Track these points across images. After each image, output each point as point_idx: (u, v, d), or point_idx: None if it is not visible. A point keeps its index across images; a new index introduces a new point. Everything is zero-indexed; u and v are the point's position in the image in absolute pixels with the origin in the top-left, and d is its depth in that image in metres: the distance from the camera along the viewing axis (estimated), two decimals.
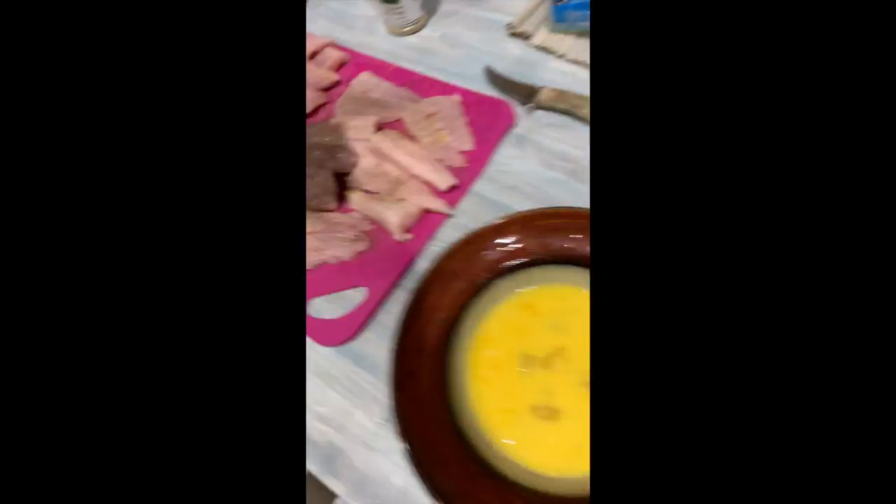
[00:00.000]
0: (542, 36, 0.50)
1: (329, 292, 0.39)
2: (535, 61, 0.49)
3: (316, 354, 0.37)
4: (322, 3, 0.62)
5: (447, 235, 0.40)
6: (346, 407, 0.34)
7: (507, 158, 0.43)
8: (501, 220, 0.33)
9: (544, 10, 0.51)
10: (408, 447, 0.27)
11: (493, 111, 0.46)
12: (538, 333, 0.31)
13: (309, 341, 0.37)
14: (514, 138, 0.44)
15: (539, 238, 0.33)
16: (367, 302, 0.38)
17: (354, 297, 0.39)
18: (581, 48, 0.48)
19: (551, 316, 0.31)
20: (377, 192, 0.43)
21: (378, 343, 0.36)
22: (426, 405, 0.28)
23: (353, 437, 0.33)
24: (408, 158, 0.43)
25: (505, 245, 0.33)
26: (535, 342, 0.31)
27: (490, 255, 0.33)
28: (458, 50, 0.53)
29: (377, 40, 0.56)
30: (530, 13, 0.51)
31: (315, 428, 0.34)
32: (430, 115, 0.46)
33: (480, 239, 0.33)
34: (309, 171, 0.45)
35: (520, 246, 0.33)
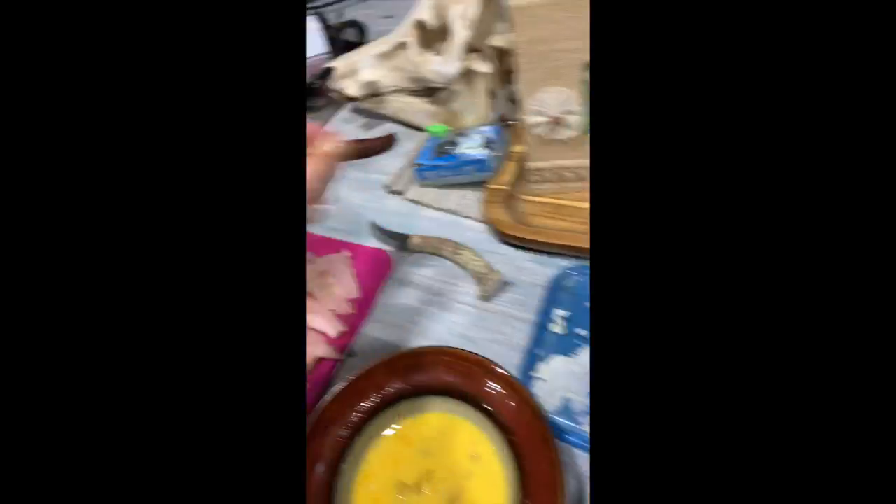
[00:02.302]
0: (413, 191, 0.60)
1: None
2: (410, 212, 0.59)
3: None
4: None
5: (342, 378, 0.45)
6: None
7: (390, 299, 0.50)
8: (371, 366, 0.39)
9: (412, 169, 0.62)
10: None
11: (374, 260, 0.54)
12: (410, 461, 0.35)
13: None
14: (395, 281, 0.52)
15: (405, 376, 0.38)
16: None
17: None
18: (443, 198, 0.58)
19: (420, 443, 0.36)
20: None
21: None
22: None
23: None
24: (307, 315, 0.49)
25: (377, 388, 0.38)
26: (407, 470, 0.35)
27: (364, 398, 0.38)
28: (348, 210, 0.62)
29: None
30: (402, 173, 0.62)
31: None
32: (322, 273, 0.53)
33: (354, 386, 0.38)
34: None
35: (389, 389, 0.38)
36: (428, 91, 0.64)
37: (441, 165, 0.56)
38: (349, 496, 0.34)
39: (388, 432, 0.37)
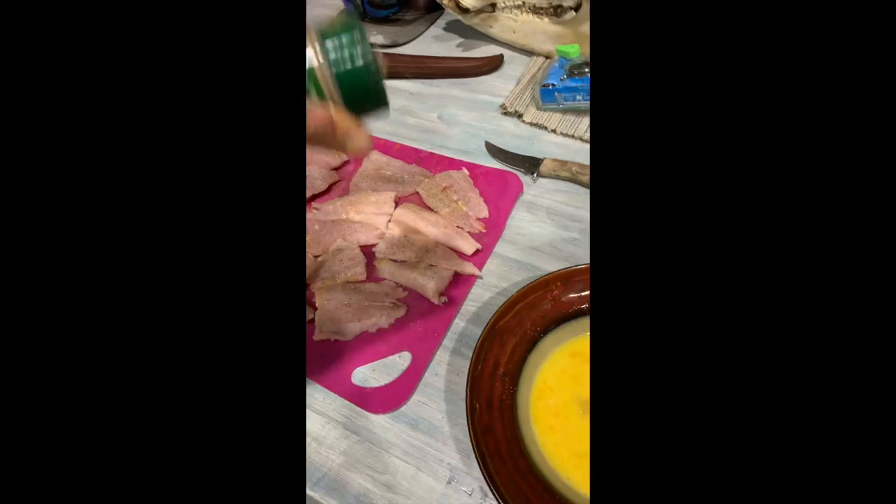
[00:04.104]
0: (532, 114, 0.56)
1: (372, 360, 0.40)
2: (531, 136, 0.55)
3: (369, 423, 0.37)
4: None
5: (479, 295, 0.43)
6: (411, 472, 0.35)
7: (522, 222, 0.48)
8: (544, 278, 0.37)
9: (531, 92, 0.58)
10: (499, 501, 0.28)
11: (500, 181, 0.51)
12: (587, 378, 0.34)
13: (361, 411, 0.38)
14: (524, 205, 0.49)
15: (579, 293, 0.36)
16: (414, 366, 0.39)
17: (397, 362, 0.40)
18: (568, 124, 0.54)
19: None
20: (405, 261, 0.45)
21: (431, 405, 0.38)
22: (506, 458, 0.30)
23: (422, 501, 0.34)
24: (431, 228, 0.46)
25: (551, 300, 0.36)
26: (586, 387, 0.33)
27: (537, 310, 0.36)
28: (457, 128, 0.58)
29: (378, 122, 0.61)
30: (519, 95, 0.58)
31: (382, 497, 0.34)
32: (444, 189, 0.50)
33: (526, 297, 0.36)
34: (335, 246, 0.47)
35: (563, 300, 0.36)
36: (554, 10, 0.59)
37: (576, 87, 0.52)
38: (529, 408, 0.33)
39: (561, 349, 0.35)
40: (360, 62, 0.26)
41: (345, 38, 0.26)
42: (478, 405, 0.32)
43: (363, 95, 0.27)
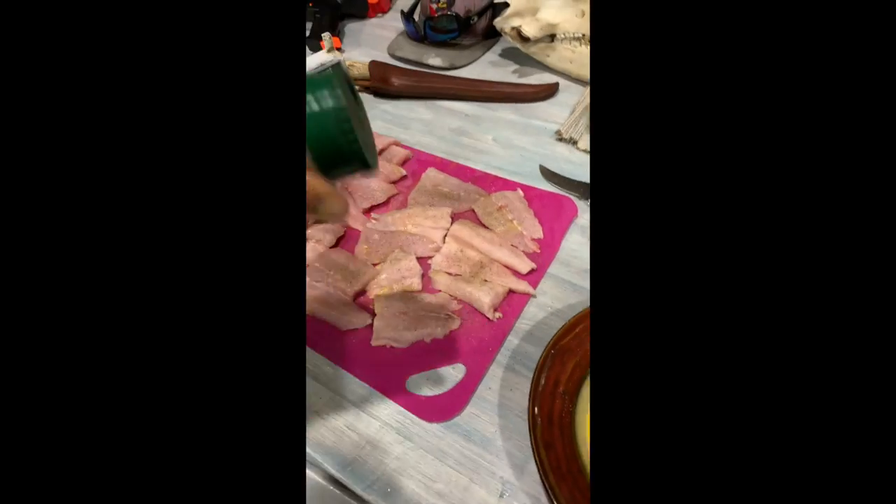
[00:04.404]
0: (586, 141, 0.58)
1: (426, 369, 0.41)
2: (585, 162, 0.57)
3: (423, 431, 0.38)
4: (377, 106, 0.70)
5: (532, 314, 0.44)
6: (463, 482, 0.35)
7: (576, 245, 0.49)
8: None
9: (586, 120, 0.59)
10: None
11: (555, 204, 0.52)
12: None
13: (415, 418, 0.39)
14: (578, 228, 0.50)
15: None
16: (468, 378, 0.40)
17: (451, 373, 0.41)
18: None
19: None
20: (459, 275, 0.47)
21: (484, 418, 0.38)
22: (566, 474, 0.30)
23: None
24: (486, 245, 0.48)
25: None
26: None
27: None
28: (511, 151, 0.60)
29: (434, 141, 0.63)
30: (575, 122, 0.60)
31: None
32: (500, 208, 0.51)
33: (586, 319, 0.37)
34: (393, 255, 0.49)
35: None
36: None
37: None
38: (584, 429, 0.33)
39: None
40: (327, 104, 0.23)
41: (317, 81, 0.23)
42: (539, 420, 0.32)
43: (332, 149, 0.24)
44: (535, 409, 0.33)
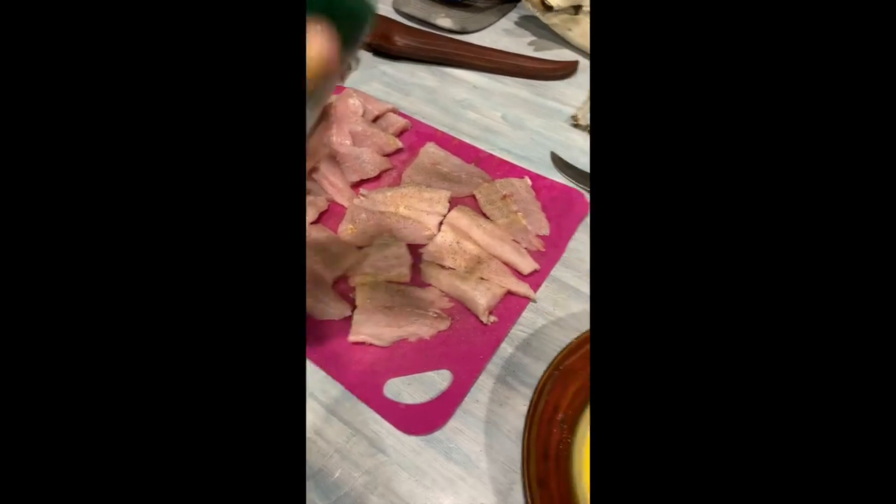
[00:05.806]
0: None
1: (408, 373, 0.37)
2: None
3: (399, 444, 0.34)
4: (375, 66, 0.63)
5: (530, 321, 0.40)
6: None
7: (584, 246, 0.44)
8: None
9: None
10: None
11: (565, 198, 0.47)
12: None
13: (391, 428, 0.35)
14: (587, 228, 0.45)
15: None
16: (454, 388, 0.36)
17: (436, 380, 0.37)
18: None
19: None
20: (454, 269, 0.42)
21: (468, 434, 0.34)
22: None
23: None
24: (487, 238, 0.43)
25: None
26: None
27: None
28: (521, 133, 0.54)
29: (436, 112, 0.57)
30: None
31: None
32: (504, 197, 0.46)
33: None
34: (381, 240, 0.43)
35: None
36: None
37: None
38: (581, 464, 0.30)
39: None
40: None
41: None
42: (534, 451, 0.28)
43: None
44: (530, 437, 0.29)
